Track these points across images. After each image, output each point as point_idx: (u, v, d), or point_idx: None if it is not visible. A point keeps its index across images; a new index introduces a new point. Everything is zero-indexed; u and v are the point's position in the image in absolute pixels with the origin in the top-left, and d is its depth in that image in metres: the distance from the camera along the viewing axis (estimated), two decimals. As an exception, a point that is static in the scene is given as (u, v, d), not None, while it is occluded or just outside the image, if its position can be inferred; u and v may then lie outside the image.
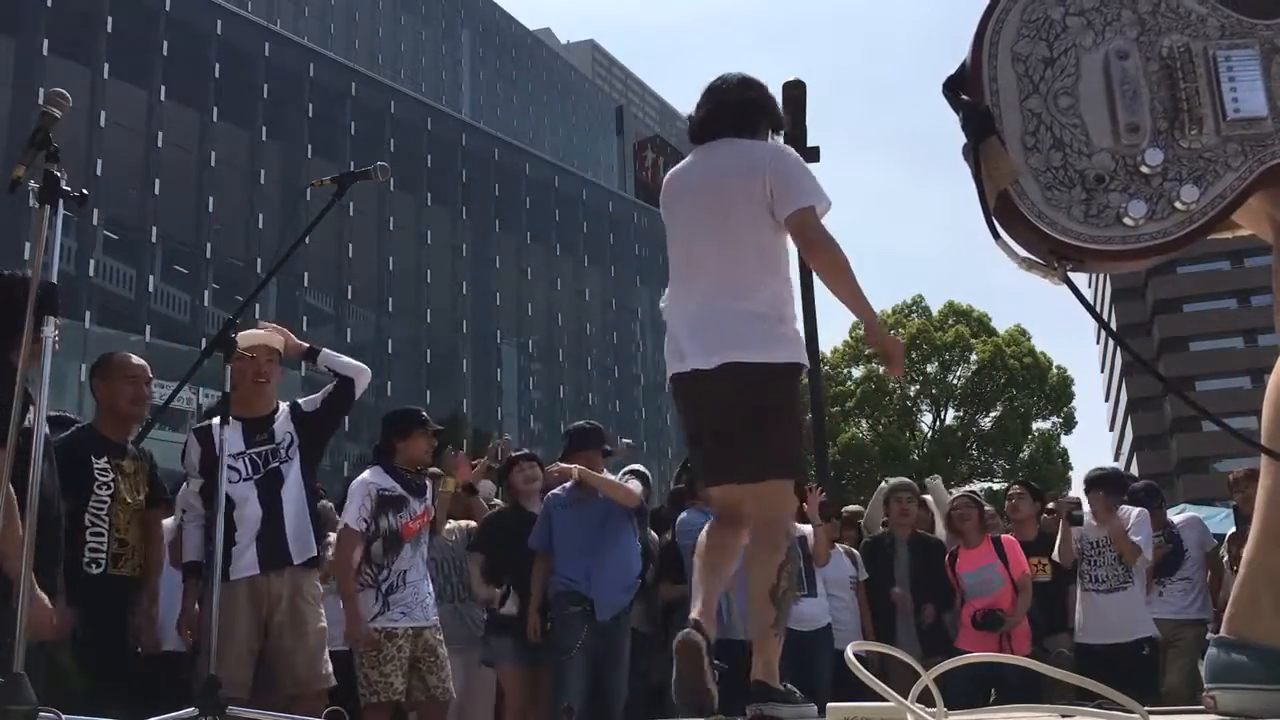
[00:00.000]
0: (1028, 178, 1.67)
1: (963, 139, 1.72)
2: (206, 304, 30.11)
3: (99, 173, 26.92)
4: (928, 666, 2.08)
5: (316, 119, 33.59)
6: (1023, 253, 1.72)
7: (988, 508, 6.67)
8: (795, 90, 9.34)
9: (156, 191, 29.42)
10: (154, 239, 29.41)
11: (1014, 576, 5.95)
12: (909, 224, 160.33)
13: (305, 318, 30.95)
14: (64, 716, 2.38)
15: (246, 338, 4.36)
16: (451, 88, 49.34)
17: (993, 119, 1.69)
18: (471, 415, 36.27)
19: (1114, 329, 1.96)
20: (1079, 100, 1.68)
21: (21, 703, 2.24)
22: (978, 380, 35.83)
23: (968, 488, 6.80)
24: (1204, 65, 1.67)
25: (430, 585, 4.97)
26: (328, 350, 4.63)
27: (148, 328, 28.11)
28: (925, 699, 1.97)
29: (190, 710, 3.13)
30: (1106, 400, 64.91)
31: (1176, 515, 7.22)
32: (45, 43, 27.23)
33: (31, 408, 2.60)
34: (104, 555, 4.02)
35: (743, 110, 3.35)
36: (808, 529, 5.89)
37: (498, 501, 6.48)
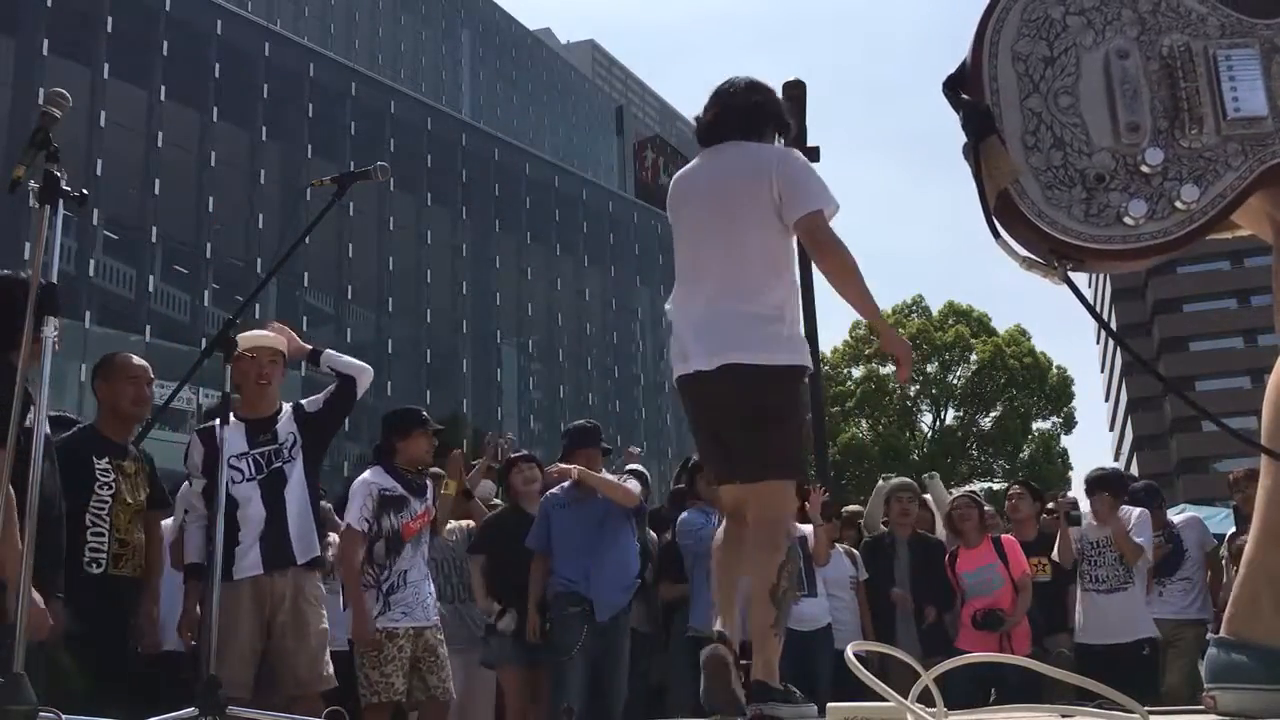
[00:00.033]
0: (1028, 177, 1.67)
1: (963, 138, 1.72)
2: (206, 304, 30.11)
3: (99, 173, 26.91)
4: (928, 666, 2.08)
5: (316, 119, 33.58)
6: (1023, 252, 1.72)
7: (988, 508, 6.68)
8: (795, 90, 9.33)
9: (156, 191, 29.42)
10: (154, 239, 29.41)
11: (1014, 576, 5.95)
12: (909, 224, 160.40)
13: (305, 318, 30.94)
14: (64, 716, 2.38)
15: (249, 338, 4.37)
16: (451, 88, 49.34)
17: (993, 118, 1.69)
18: (471, 415, 36.26)
19: (1114, 329, 1.96)
20: (1079, 99, 1.68)
21: (21, 703, 2.24)
22: (978, 380, 35.85)
23: (968, 488, 6.79)
24: (1204, 64, 1.67)
25: (431, 585, 4.97)
26: (330, 351, 4.64)
27: (148, 328, 28.11)
28: (925, 699, 1.97)
29: (190, 710, 3.13)
30: (1106, 400, 64.94)
31: (1176, 515, 7.22)
32: (45, 43, 27.22)
33: (32, 408, 2.60)
34: (105, 555, 4.03)
35: (750, 114, 3.37)
36: (808, 529, 5.89)
37: (497, 501, 6.48)
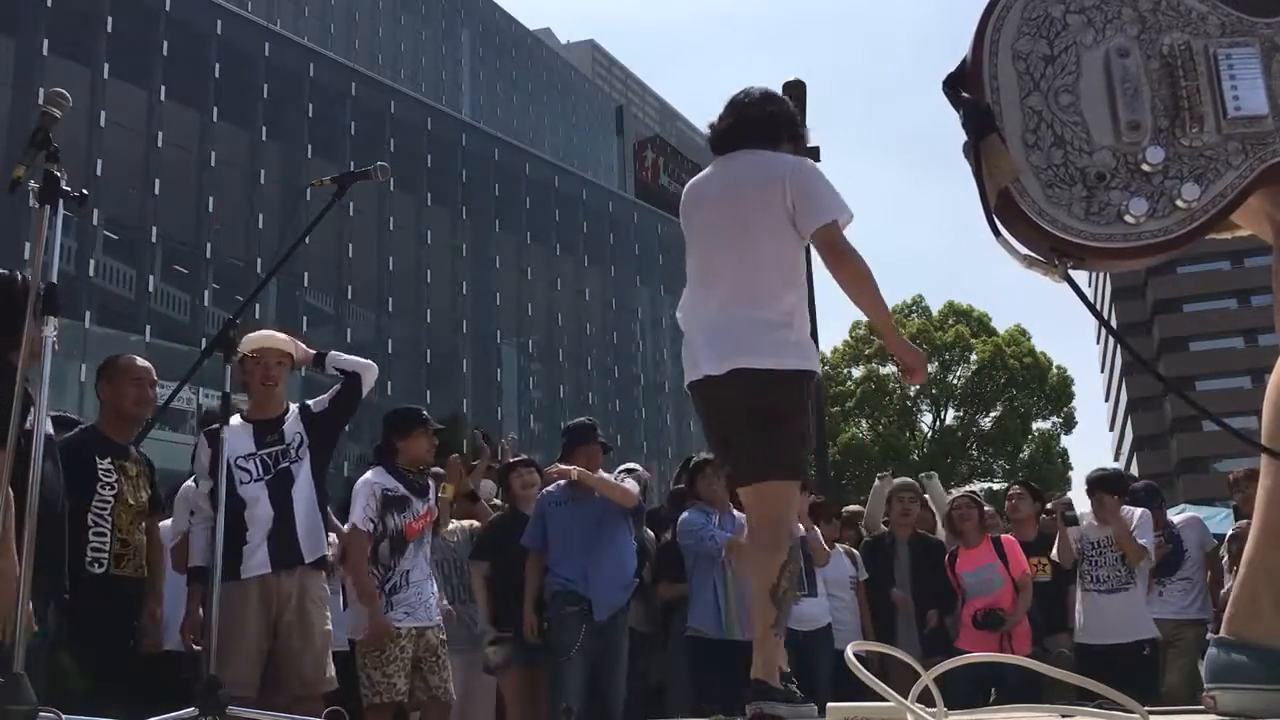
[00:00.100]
0: (1028, 175, 1.67)
1: (963, 137, 1.72)
2: (206, 304, 30.09)
3: (99, 173, 26.90)
4: (928, 666, 2.07)
5: (316, 119, 33.56)
6: (1024, 250, 1.71)
7: (987, 508, 6.68)
8: (795, 90, 9.34)
9: (156, 191, 29.40)
10: (154, 239, 29.40)
11: (1014, 576, 5.95)
12: (909, 224, 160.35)
13: (305, 318, 30.95)
14: (64, 716, 2.38)
15: (255, 339, 4.39)
16: (451, 88, 49.32)
17: (993, 116, 1.68)
18: (471, 415, 36.23)
19: (1114, 328, 1.96)
20: (1080, 98, 1.68)
21: (21, 703, 2.24)
22: (978, 380, 35.85)
23: (968, 488, 6.79)
24: (1205, 63, 1.67)
25: (434, 585, 4.98)
26: (333, 352, 4.67)
27: (148, 328, 28.09)
28: (925, 699, 1.97)
29: (190, 710, 3.14)
30: (1106, 400, 64.94)
31: (1176, 515, 7.22)
32: (45, 43, 27.21)
33: (32, 408, 2.60)
34: (106, 555, 4.04)
35: (765, 123, 3.40)
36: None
37: (498, 501, 6.48)
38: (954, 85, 1.75)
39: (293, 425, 4.35)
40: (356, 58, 40.59)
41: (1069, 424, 36.78)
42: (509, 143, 42.84)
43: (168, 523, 4.85)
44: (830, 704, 2.38)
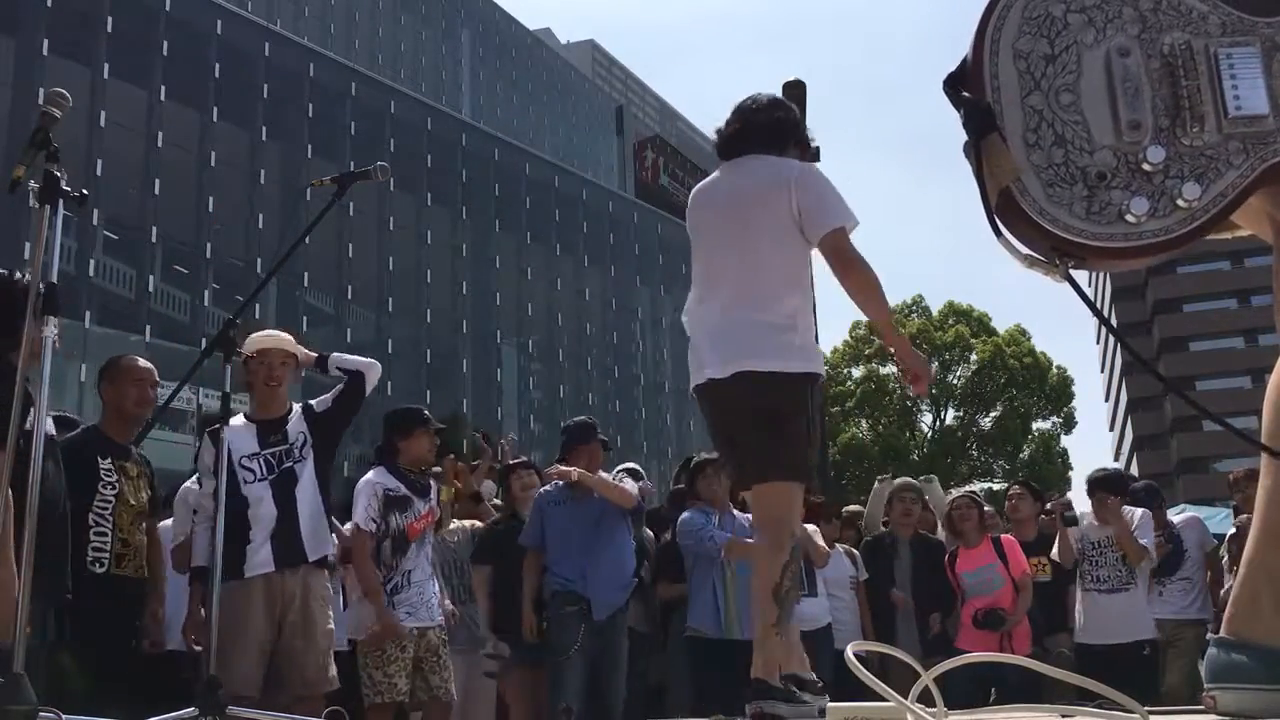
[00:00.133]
0: (1029, 175, 1.67)
1: (964, 136, 1.72)
2: (206, 304, 30.08)
3: (99, 173, 26.89)
4: (928, 666, 2.07)
5: (316, 119, 33.55)
6: (1025, 250, 1.71)
7: (987, 508, 6.68)
8: (795, 90, 9.32)
9: (156, 191, 29.39)
10: (154, 239, 29.38)
11: (1014, 576, 5.95)
12: (909, 224, 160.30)
13: (305, 318, 30.94)
14: (64, 716, 2.38)
15: (259, 339, 4.40)
16: (451, 88, 49.31)
17: (994, 116, 1.68)
18: (471, 415, 36.22)
19: (1115, 328, 1.96)
20: (1080, 97, 1.68)
21: (21, 703, 2.24)
22: (978, 380, 35.85)
23: (968, 488, 6.79)
24: (1205, 63, 1.67)
25: (436, 585, 4.98)
26: (336, 353, 4.67)
27: (148, 328, 28.09)
28: (925, 699, 1.97)
29: (190, 710, 3.14)
30: (1106, 400, 64.93)
31: (1176, 515, 7.22)
32: (45, 43, 27.20)
33: (32, 408, 2.60)
34: (107, 555, 4.06)
35: (772, 129, 3.42)
36: (813, 527, 5.89)
37: (498, 501, 6.48)
38: (955, 85, 1.75)
39: (296, 425, 4.37)
40: (356, 58, 40.58)
41: (1069, 424, 36.79)
42: (509, 143, 42.82)
43: (168, 523, 4.87)
44: (830, 704, 2.38)
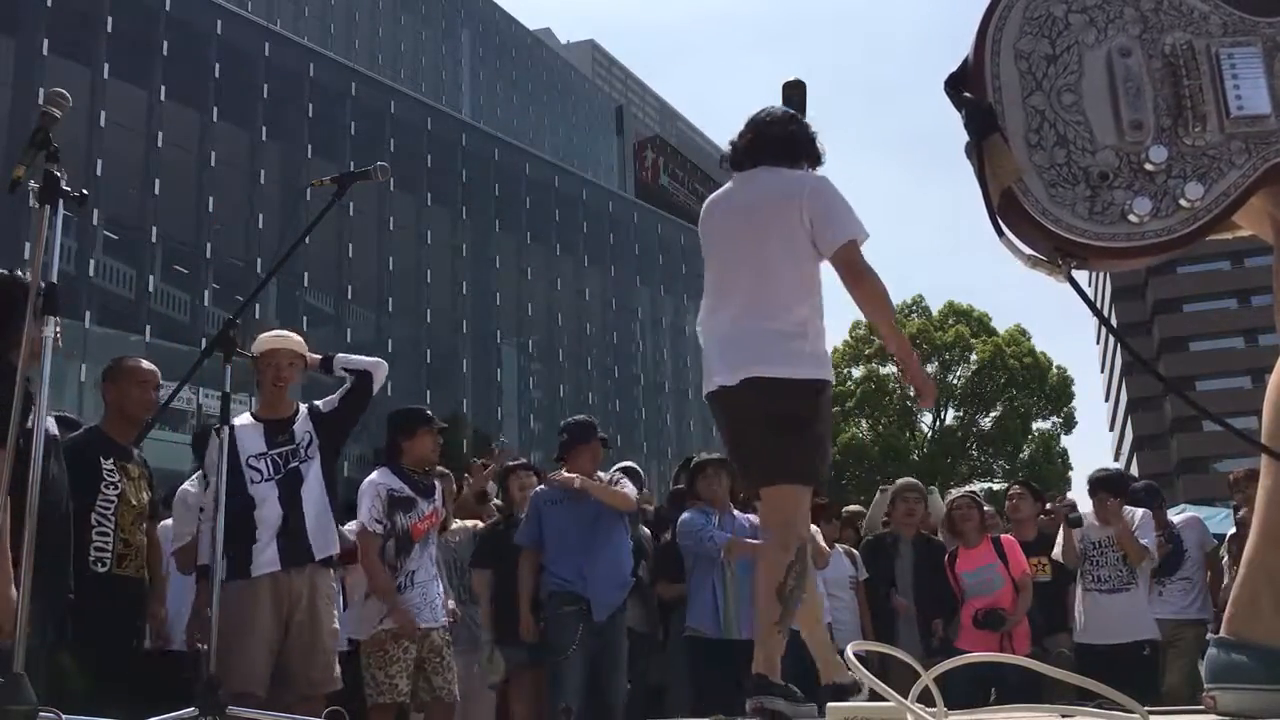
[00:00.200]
0: (1031, 175, 1.66)
1: (965, 137, 1.72)
2: (206, 304, 30.08)
3: (99, 173, 26.89)
4: (928, 666, 2.07)
5: (316, 119, 33.55)
6: (1027, 250, 1.71)
7: (988, 508, 6.68)
8: (795, 90, 9.33)
9: (156, 191, 29.38)
10: (154, 239, 29.38)
11: (1014, 576, 5.95)
12: (909, 224, 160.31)
13: (305, 318, 30.92)
14: (64, 716, 2.38)
15: (266, 340, 4.41)
16: (451, 88, 49.30)
17: (995, 116, 1.68)
18: (471, 415, 36.24)
19: (1115, 328, 1.96)
20: (1082, 97, 1.68)
21: (21, 703, 2.24)
22: (978, 380, 35.85)
23: (968, 488, 6.79)
24: (1207, 63, 1.67)
25: (440, 585, 4.99)
26: (340, 354, 4.68)
27: (148, 328, 28.08)
28: (925, 699, 1.96)
29: (190, 710, 3.14)
30: (1106, 400, 64.94)
31: (1176, 515, 7.22)
32: (45, 43, 27.19)
33: (33, 408, 2.60)
34: (109, 555, 4.08)
35: (785, 142, 3.47)
36: (813, 527, 5.89)
37: (497, 502, 6.48)
38: (956, 85, 1.74)
39: (302, 425, 4.39)
40: (356, 58, 40.57)
41: (1069, 424, 36.80)
42: (509, 143, 42.82)
43: (168, 522, 4.88)
44: (830, 704, 2.38)
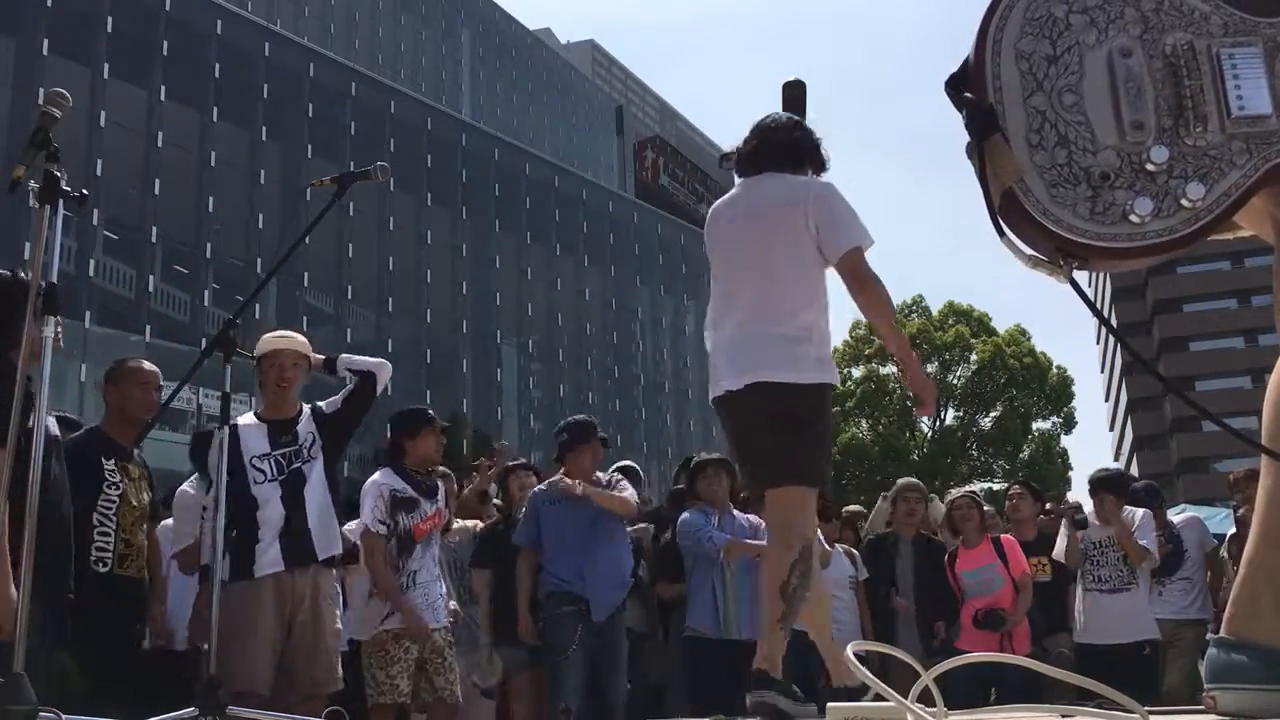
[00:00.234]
0: (1033, 175, 1.66)
1: (966, 137, 1.72)
2: (206, 304, 30.07)
3: (99, 173, 26.88)
4: (928, 667, 2.07)
5: (316, 119, 33.54)
6: (1028, 251, 1.71)
7: (988, 508, 6.68)
8: (795, 90, 9.32)
9: (156, 191, 29.38)
10: (154, 239, 29.38)
11: (1014, 576, 5.95)
12: (910, 224, 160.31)
13: (305, 318, 30.91)
14: (64, 716, 2.38)
15: (271, 340, 4.41)
16: (451, 88, 49.29)
17: (996, 117, 1.68)
18: (471, 415, 36.24)
19: (1115, 328, 1.96)
20: (1083, 98, 1.68)
21: (21, 703, 2.24)
22: (978, 380, 35.84)
23: (968, 488, 6.79)
24: (1208, 63, 1.67)
25: (443, 586, 4.98)
26: (344, 355, 4.68)
27: (148, 328, 28.08)
28: (925, 699, 1.96)
29: (190, 710, 3.14)
30: (1106, 400, 64.94)
31: (1176, 515, 7.22)
32: (45, 43, 27.19)
33: (33, 408, 2.60)
34: (111, 555, 4.09)
35: (790, 149, 3.49)
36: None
37: (497, 501, 6.48)
38: (957, 86, 1.74)
39: (306, 426, 4.39)
40: (356, 58, 40.57)
41: (1069, 424, 36.78)
42: (509, 143, 42.81)
43: (168, 522, 4.89)
44: (830, 704, 2.38)
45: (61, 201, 2.62)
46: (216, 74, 31.18)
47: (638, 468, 6.54)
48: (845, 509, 7.80)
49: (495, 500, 6.57)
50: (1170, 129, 1.66)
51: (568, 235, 43.72)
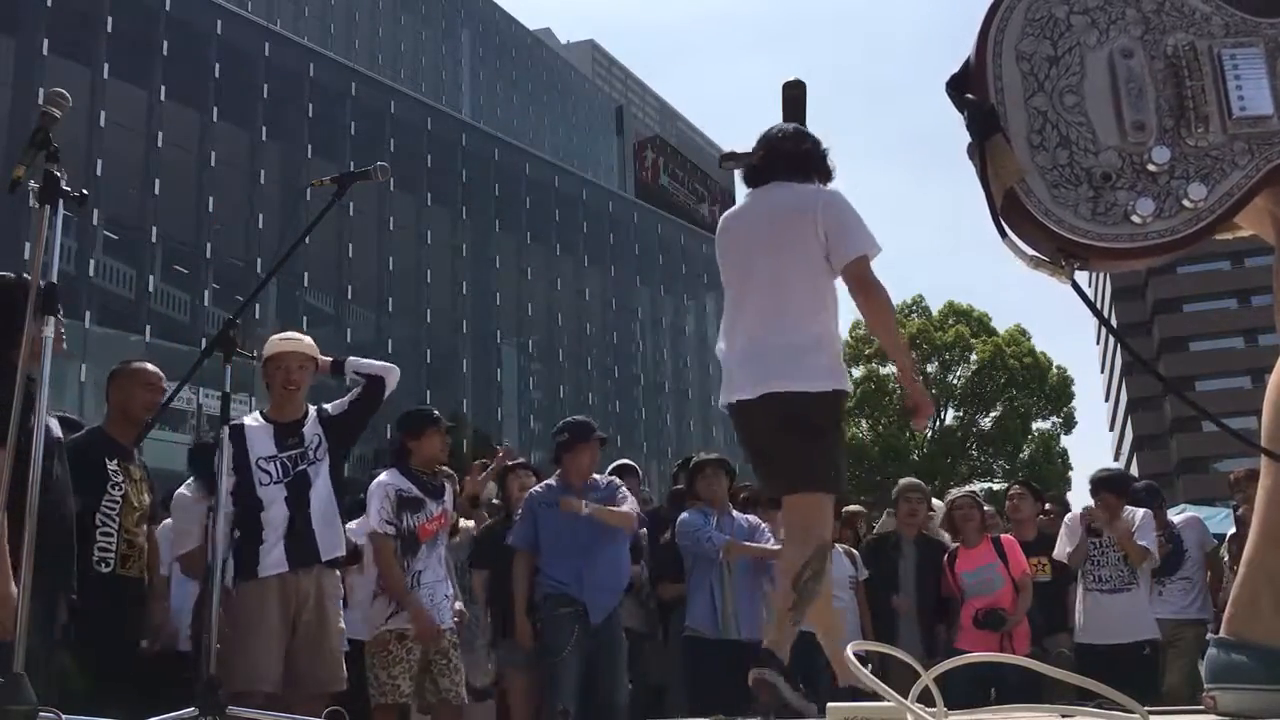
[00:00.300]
0: (1034, 176, 1.66)
1: (967, 138, 1.72)
2: (206, 304, 30.08)
3: (99, 173, 26.89)
4: (928, 667, 2.07)
5: (316, 119, 33.55)
6: (1030, 251, 1.71)
7: (988, 508, 6.67)
8: (795, 90, 9.31)
9: (156, 191, 29.39)
10: (154, 239, 29.38)
11: (1014, 576, 5.94)
12: (910, 224, 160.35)
13: (305, 318, 30.92)
14: (64, 717, 2.38)
15: (277, 342, 4.42)
16: (451, 88, 49.29)
17: (998, 117, 1.68)
18: (471, 415, 36.25)
19: (1115, 328, 1.96)
20: (1084, 98, 1.68)
21: (21, 703, 2.24)
22: (978, 380, 35.83)
23: (968, 488, 6.78)
24: (1209, 63, 1.67)
25: (448, 586, 4.98)
26: (352, 357, 4.68)
27: (148, 328, 28.09)
28: (925, 699, 1.96)
29: (190, 710, 3.14)
30: (1106, 400, 64.96)
31: (1176, 515, 7.22)
32: (45, 43, 27.20)
33: (33, 408, 2.59)
34: (113, 555, 4.10)
35: (797, 159, 3.52)
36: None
37: (497, 502, 6.48)
38: (958, 86, 1.74)
39: (312, 428, 4.40)
40: (356, 58, 40.57)
41: (1069, 424, 36.78)
42: (509, 143, 42.82)
43: (168, 522, 4.89)
44: (830, 704, 2.38)
45: (61, 201, 2.62)
46: (216, 74, 31.18)
47: (635, 465, 6.54)
48: (845, 509, 7.80)
49: (495, 500, 6.57)
50: (1172, 129, 1.66)
51: (568, 235, 43.73)
